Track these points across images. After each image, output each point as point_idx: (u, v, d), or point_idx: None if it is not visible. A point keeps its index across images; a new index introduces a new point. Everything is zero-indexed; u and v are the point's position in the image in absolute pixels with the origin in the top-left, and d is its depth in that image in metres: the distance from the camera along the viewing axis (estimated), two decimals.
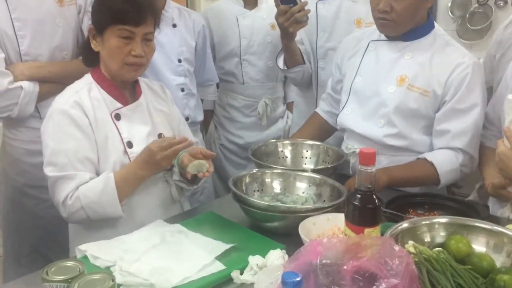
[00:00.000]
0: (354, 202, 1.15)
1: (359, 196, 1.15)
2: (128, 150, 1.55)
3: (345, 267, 0.94)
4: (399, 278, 0.94)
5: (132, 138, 1.56)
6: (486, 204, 1.58)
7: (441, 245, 1.25)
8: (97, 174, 1.51)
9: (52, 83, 1.75)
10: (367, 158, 1.13)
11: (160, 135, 1.62)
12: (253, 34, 2.49)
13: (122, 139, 1.54)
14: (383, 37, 1.83)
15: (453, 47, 1.75)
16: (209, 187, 2.56)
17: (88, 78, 1.57)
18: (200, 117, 2.47)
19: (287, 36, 2.07)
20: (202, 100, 2.56)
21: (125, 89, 1.60)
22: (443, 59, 1.71)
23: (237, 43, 2.50)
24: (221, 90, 2.63)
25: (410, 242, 1.22)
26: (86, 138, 1.49)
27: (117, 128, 1.54)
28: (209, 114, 2.67)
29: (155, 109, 1.66)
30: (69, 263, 1.09)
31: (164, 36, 2.15)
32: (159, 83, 1.78)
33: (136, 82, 1.64)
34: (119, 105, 1.57)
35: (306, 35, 2.26)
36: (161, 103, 1.71)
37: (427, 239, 1.27)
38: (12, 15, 1.67)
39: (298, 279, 0.89)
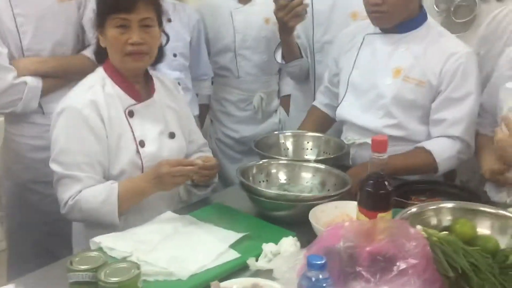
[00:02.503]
0: (367, 188, 1.19)
1: (371, 182, 1.19)
2: (140, 149, 1.52)
3: (367, 249, 0.98)
4: (417, 258, 0.98)
5: (145, 137, 1.54)
6: (485, 190, 1.64)
7: (446, 229, 1.30)
8: (106, 176, 1.50)
9: (55, 78, 1.75)
10: (380, 146, 1.17)
11: (171, 134, 1.61)
12: (247, 28, 2.51)
13: (134, 137, 1.52)
14: (378, 30, 1.87)
15: (446, 37, 1.81)
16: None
17: (101, 72, 1.54)
18: (196, 111, 2.49)
19: (286, 30, 2.09)
20: (197, 94, 2.58)
21: (138, 84, 1.58)
22: (437, 49, 1.76)
23: (231, 38, 2.52)
24: (216, 84, 2.65)
25: (418, 227, 1.27)
26: (97, 140, 1.46)
27: (130, 126, 1.52)
28: (204, 109, 2.69)
29: (167, 107, 1.64)
30: (93, 253, 1.10)
31: None
32: (171, 80, 1.76)
33: (149, 77, 1.62)
34: (132, 101, 1.54)
35: (302, 29, 2.29)
36: (173, 100, 1.68)
37: (434, 223, 1.32)
38: (14, 10, 1.66)
39: (323, 261, 0.93)
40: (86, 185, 1.44)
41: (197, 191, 1.66)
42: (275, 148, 1.93)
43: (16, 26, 1.68)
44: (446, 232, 1.25)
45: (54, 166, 1.47)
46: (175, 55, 2.34)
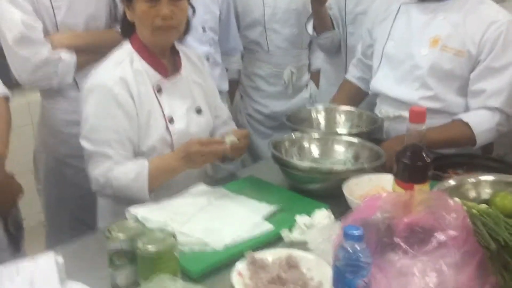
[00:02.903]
0: (404, 160, 1.17)
1: (409, 154, 1.16)
2: (169, 126, 1.52)
3: (405, 220, 0.96)
4: (457, 230, 0.96)
5: (173, 113, 1.54)
6: None
7: (486, 202, 1.27)
8: (136, 153, 1.50)
9: (89, 53, 1.75)
10: (418, 116, 1.14)
11: (198, 110, 1.61)
12: (276, 1, 2.47)
13: (164, 114, 1.52)
14: None
15: (486, 4, 1.73)
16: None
17: (128, 48, 1.53)
18: (225, 86, 2.48)
19: (317, 0, 2.05)
20: (226, 69, 2.57)
21: (164, 59, 1.56)
22: (476, 17, 1.70)
23: (261, 11, 2.49)
24: (246, 59, 2.63)
25: (456, 199, 1.24)
26: (127, 118, 1.46)
27: (159, 103, 1.52)
28: (234, 84, 2.68)
29: (194, 82, 1.63)
30: (130, 223, 1.12)
31: None
32: (196, 53, 1.75)
33: (176, 52, 1.60)
34: (159, 76, 1.53)
35: (334, 0, 2.24)
36: (199, 75, 1.67)
37: (472, 196, 1.29)
38: None
39: (360, 231, 0.92)
40: (116, 162, 1.45)
41: (224, 164, 1.65)
42: (307, 122, 1.91)
43: (51, 1, 1.69)
44: (486, 205, 1.22)
45: (84, 143, 1.48)
46: (204, 29, 2.32)
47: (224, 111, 1.79)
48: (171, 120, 1.53)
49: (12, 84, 1.74)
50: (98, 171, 1.46)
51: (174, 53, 1.60)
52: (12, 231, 1.46)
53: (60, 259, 1.08)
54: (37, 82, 1.74)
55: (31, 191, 1.83)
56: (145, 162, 1.46)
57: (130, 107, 1.46)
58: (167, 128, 1.52)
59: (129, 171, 1.45)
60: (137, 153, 1.51)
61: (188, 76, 1.61)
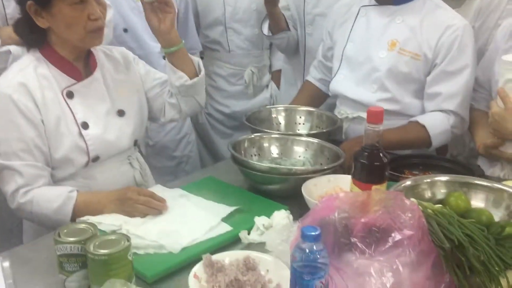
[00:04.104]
0: (362, 160, 1.17)
1: (366, 154, 1.17)
2: (83, 131, 1.42)
3: (362, 220, 0.96)
4: (413, 229, 0.97)
5: (88, 118, 1.44)
6: (478, 164, 1.63)
7: (440, 202, 1.29)
8: (48, 162, 1.40)
9: None
10: (375, 117, 1.14)
11: (120, 112, 1.51)
12: (237, 1, 2.46)
13: (76, 120, 1.42)
14: (373, 1, 1.83)
15: (443, 9, 1.77)
16: (195, 156, 2.56)
17: (34, 53, 1.42)
18: None
19: (270, 1, 2.06)
20: None
21: (78, 62, 1.46)
22: (433, 22, 1.73)
23: (221, 10, 2.47)
24: (207, 58, 2.60)
25: (412, 200, 1.25)
26: (31, 125, 1.35)
27: (70, 108, 1.41)
28: None
29: (115, 81, 1.53)
30: (81, 225, 1.07)
31: None
32: (121, 50, 1.63)
33: (89, 53, 1.49)
34: (71, 81, 1.43)
35: (293, 1, 2.24)
36: (123, 71, 1.57)
37: (428, 196, 1.30)
38: None
39: (317, 232, 0.91)
40: (27, 177, 1.35)
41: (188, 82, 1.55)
42: (267, 122, 1.90)
43: None
44: (441, 205, 1.24)
45: None
46: None
47: (159, 75, 1.66)
48: (85, 126, 1.43)
49: None
50: (13, 187, 1.35)
51: (87, 54, 1.50)
52: None
53: (6, 263, 1.02)
54: None
55: None
56: (73, 194, 1.36)
57: (32, 113, 1.36)
58: (80, 134, 1.42)
59: (53, 200, 1.35)
60: (50, 162, 1.41)
61: (106, 75, 1.51)
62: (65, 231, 1.04)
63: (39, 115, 1.37)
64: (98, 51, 1.53)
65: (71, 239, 1.02)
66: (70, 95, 1.42)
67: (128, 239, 1.03)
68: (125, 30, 2.13)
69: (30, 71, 1.39)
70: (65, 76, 1.43)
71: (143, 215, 1.32)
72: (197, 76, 1.59)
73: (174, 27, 1.51)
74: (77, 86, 1.44)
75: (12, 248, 1.28)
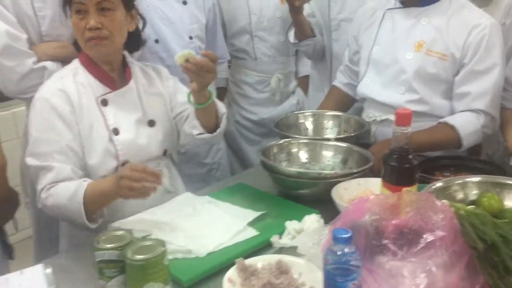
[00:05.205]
0: (391, 163, 1.18)
1: (395, 156, 1.17)
2: (114, 137, 1.47)
3: (393, 222, 0.96)
4: (445, 230, 0.97)
5: (119, 125, 1.49)
6: (511, 164, 1.61)
7: (473, 203, 1.28)
8: (82, 165, 1.44)
9: None
10: (404, 119, 1.15)
11: (151, 122, 1.56)
12: (262, 9, 2.48)
13: (107, 125, 1.47)
14: (398, 4, 1.84)
15: (469, 9, 1.76)
16: (225, 164, 2.58)
17: (75, 62, 1.53)
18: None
19: (294, 9, 2.08)
20: None
21: (113, 72, 1.53)
22: (459, 21, 1.72)
23: (247, 19, 2.50)
24: (234, 67, 2.64)
25: (444, 201, 1.25)
26: (67, 128, 1.42)
27: (103, 114, 1.48)
28: (222, 92, 2.68)
29: (148, 94, 1.59)
30: (119, 232, 1.11)
31: (174, 13, 2.15)
32: (155, 67, 1.69)
33: (126, 65, 1.57)
34: (107, 89, 1.50)
35: (318, 7, 2.25)
36: (158, 86, 1.63)
37: (460, 197, 1.30)
38: None
39: (348, 234, 0.92)
40: (59, 175, 1.38)
41: (198, 135, 1.55)
42: (295, 128, 1.92)
43: (34, 11, 1.68)
44: (473, 206, 1.23)
45: (29, 160, 1.41)
46: (191, 38, 2.32)
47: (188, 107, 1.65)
48: (116, 131, 1.48)
49: None
50: (41, 185, 1.38)
51: (124, 65, 1.57)
52: (6, 239, 1.46)
53: (49, 270, 1.07)
54: (23, 93, 1.72)
55: None
56: (84, 182, 1.37)
57: (69, 116, 1.43)
58: (111, 139, 1.48)
59: (67, 189, 1.36)
60: (85, 166, 1.45)
61: (139, 87, 1.57)
62: (104, 238, 1.08)
63: (75, 117, 1.44)
64: (135, 65, 1.61)
65: (110, 245, 1.06)
66: (104, 102, 1.49)
67: (163, 244, 1.06)
68: (156, 41, 2.18)
69: (69, 79, 1.48)
70: (100, 85, 1.50)
71: (174, 219, 1.34)
72: (215, 130, 1.58)
73: (206, 86, 1.50)
74: (111, 94, 1.51)
75: (53, 256, 1.33)
